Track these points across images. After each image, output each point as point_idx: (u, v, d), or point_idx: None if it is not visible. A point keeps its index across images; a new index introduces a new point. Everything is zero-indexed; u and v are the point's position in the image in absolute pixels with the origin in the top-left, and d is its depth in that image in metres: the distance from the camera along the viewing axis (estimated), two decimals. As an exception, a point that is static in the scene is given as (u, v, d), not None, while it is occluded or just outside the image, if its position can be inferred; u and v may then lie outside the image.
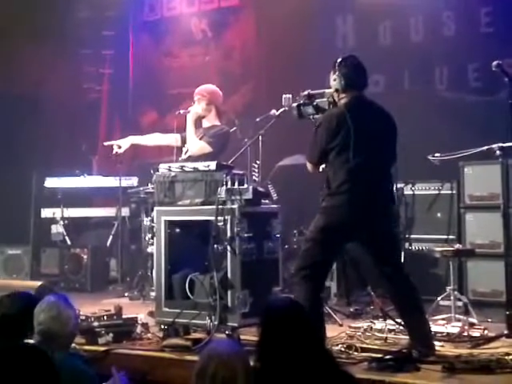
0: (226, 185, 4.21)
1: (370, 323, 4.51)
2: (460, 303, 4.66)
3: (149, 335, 4.46)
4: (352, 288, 5.52)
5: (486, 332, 4.33)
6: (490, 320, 4.71)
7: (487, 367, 3.55)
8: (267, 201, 4.56)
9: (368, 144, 3.86)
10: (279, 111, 4.90)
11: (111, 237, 7.08)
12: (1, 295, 3.44)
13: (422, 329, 3.92)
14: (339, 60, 4.00)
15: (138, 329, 4.49)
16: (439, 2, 6.50)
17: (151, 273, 5.28)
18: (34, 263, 7.17)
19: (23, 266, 7.15)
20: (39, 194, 7.14)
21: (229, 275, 4.13)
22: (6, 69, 7.61)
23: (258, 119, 5.18)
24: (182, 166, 4.48)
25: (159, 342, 4.29)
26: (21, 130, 7.46)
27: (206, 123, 5.34)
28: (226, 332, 4.14)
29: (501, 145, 4.61)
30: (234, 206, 4.15)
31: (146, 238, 5.67)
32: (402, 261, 4.76)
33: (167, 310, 4.36)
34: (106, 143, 5.81)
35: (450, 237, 5.54)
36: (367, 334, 4.33)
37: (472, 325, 4.39)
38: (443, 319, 4.51)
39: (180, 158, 5.19)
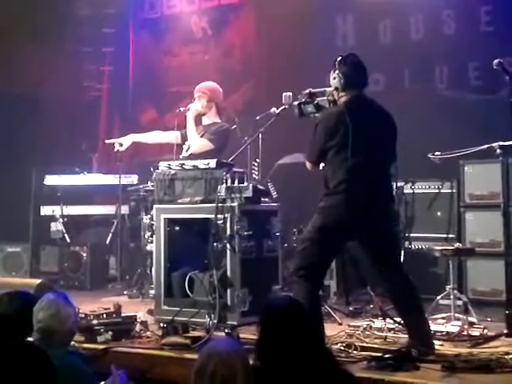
0: (226, 183, 4.21)
1: (369, 322, 4.51)
2: (460, 302, 4.66)
3: (148, 333, 4.45)
4: (351, 287, 5.51)
5: (485, 331, 4.33)
6: (489, 319, 4.70)
7: (487, 366, 3.54)
8: (267, 199, 4.56)
9: (367, 143, 3.85)
10: (279, 109, 4.89)
11: (111, 235, 7.07)
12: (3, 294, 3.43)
13: (422, 328, 3.91)
14: (339, 59, 4.00)
15: (137, 327, 4.48)
16: (439, 0, 6.49)
17: (150, 271, 5.29)
18: (34, 261, 7.17)
19: (22, 263, 7.15)
20: (39, 192, 7.13)
21: (228, 273, 4.13)
22: (5, 67, 7.60)
23: (258, 117, 5.17)
24: (182, 164, 4.48)
25: (158, 340, 4.28)
26: (21, 127, 7.45)
27: (206, 120, 5.33)
28: (226, 330, 4.13)
29: (501, 143, 4.60)
30: (233, 204, 4.15)
31: (146, 236, 5.67)
32: (402, 260, 4.75)
33: (166, 308, 4.36)
34: (107, 141, 5.79)
35: (450, 236, 5.54)
36: (367, 332, 4.33)
37: (472, 324, 4.39)
38: (443, 318, 4.51)
39: (181, 156, 5.18)
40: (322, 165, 4.04)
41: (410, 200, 5.75)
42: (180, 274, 4.35)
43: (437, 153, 5.23)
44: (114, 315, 4.47)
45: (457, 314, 4.48)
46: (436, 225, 5.64)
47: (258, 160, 5.36)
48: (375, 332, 4.32)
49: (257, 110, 5.82)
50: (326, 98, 4.11)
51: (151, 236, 4.95)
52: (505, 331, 4.30)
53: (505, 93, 4.52)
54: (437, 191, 5.71)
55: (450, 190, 5.64)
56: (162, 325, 4.37)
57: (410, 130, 5.24)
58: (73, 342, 3.44)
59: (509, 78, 4.35)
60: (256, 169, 5.35)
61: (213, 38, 8.05)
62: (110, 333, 4.30)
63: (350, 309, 5.19)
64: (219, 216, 4.13)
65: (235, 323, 4.12)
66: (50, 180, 7.11)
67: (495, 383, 3.44)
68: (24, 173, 7.09)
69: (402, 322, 4.09)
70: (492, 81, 5.65)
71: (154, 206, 4.53)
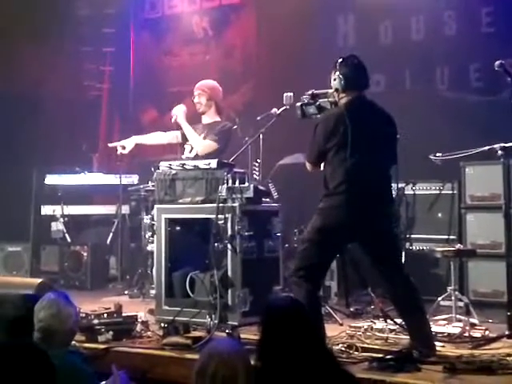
0: (227, 183, 4.21)
1: (370, 323, 4.50)
2: (461, 304, 4.65)
3: (149, 333, 4.45)
4: (351, 289, 5.50)
5: (487, 333, 4.33)
6: (490, 321, 4.69)
7: (488, 368, 3.54)
8: (268, 199, 4.55)
9: (366, 144, 3.85)
10: (280, 110, 4.89)
11: (111, 234, 7.07)
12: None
13: (423, 329, 3.91)
14: (340, 60, 4.00)
15: (138, 327, 4.48)
16: (440, 1, 6.49)
17: (151, 271, 5.28)
18: (34, 260, 7.16)
19: (23, 263, 7.14)
20: (39, 191, 7.13)
21: (229, 274, 4.12)
22: (6, 67, 7.60)
23: (258, 118, 5.17)
24: (183, 164, 4.47)
25: (159, 340, 4.28)
26: (21, 127, 7.45)
27: (206, 119, 5.33)
28: (226, 331, 4.13)
29: (502, 145, 4.60)
30: (234, 205, 4.14)
31: (146, 236, 5.66)
32: (403, 261, 4.74)
33: (167, 308, 4.35)
34: (110, 144, 5.77)
35: (451, 237, 5.52)
36: (368, 333, 4.33)
37: (473, 325, 4.38)
38: (444, 319, 4.51)
39: (184, 156, 5.18)
40: (322, 165, 4.04)
41: (411, 201, 5.74)
42: (181, 274, 4.35)
43: (438, 154, 5.23)
44: (115, 315, 4.47)
45: (458, 316, 4.47)
46: (437, 226, 5.63)
47: (258, 160, 5.35)
48: (376, 333, 4.32)
49: (257, 110, 5.81)
50: (327, 99, 4.11)
51: (152, 236, 4.95)
52: (506, 332, 4.30)
53: (506, 94, 4.51)
54: (438, 192, 5.70)
55: (451, 192, 5.63)
56: (162, 325, 4.37)
57: (411, 130, 5.22)
58: (74, 342, 3.44)
59: (510, 79, 4.35)
60: (257, 169, 5.35)
61: (214, 38, 8.05)
62: (111, 332, 4.30)
63: (351, 309, 5.18)
64: (220, 216, 4.12)
65: (236, 323, 4.11)
66: (51, 180, 7.10)
67: (496, 385, 3.45)
68: (25, 172, 7.08)
69: (403, 323, 4.08)
70: (493, 82, 5.64)
71: (155, 206, 4.53)
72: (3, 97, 7.57)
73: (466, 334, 4.27)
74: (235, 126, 5.42)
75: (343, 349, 3.92)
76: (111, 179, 7.06)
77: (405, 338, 4.07)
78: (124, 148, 5.44)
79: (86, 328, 4.26)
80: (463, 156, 5.08)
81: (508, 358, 3.66)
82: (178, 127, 5.28)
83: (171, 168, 4.47)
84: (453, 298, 4.55)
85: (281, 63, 7.08)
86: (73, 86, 8.25)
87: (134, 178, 7.04)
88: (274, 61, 7.28)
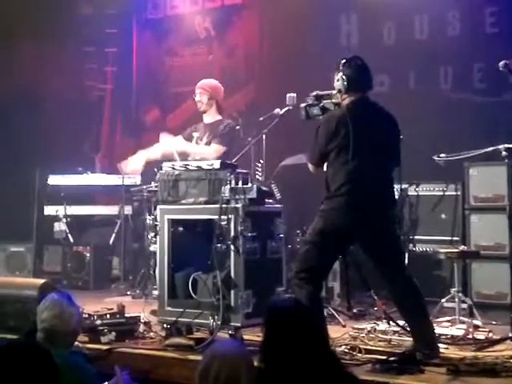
0: (230, 184, 4.19)
1: (373, 325, 4.49)
2: (464, 305, 4.63)
3: (151, 334, 4.45)
4: (354, 291, 5.45)
5: (490, 335, 4.31)
6: (494, 322, 4.68)
7: (492, 370, 3.53)
8: (271, 200, 4.54)
9: (368, 146, 3.84)
10: (283, 110, 4.88)
11: (114, 235, 7.07)
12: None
13: (426, 331, 3.89)
14: (343, 61, 3.98)
15: (141, 328, 4.48)
16: (444, 1, 6.46)
17: (154, 271, 5.27)
18: (37, 261, 7.16)
19: (26, 263, 7.14)
20: (42, 192, 7.12)
21: (232, 275, 4.11)
22: (8, 67, 7.60)
23: (261, 118, 5.16)
24: (186, 165, 4.46)
25: (162, 341, 4.28)
26: (24, 127, 7.45)
27: (207, 119, 5.32)
28: (229, 332, 4.12)
29: (507, 146, 4.59)
30: (237, 205, 4.13)
31: (149, 237, 5.66)
32: (406, 262, 4.73)
33: (170, 309, 4.34)
34: (120, 166, 5.51)
35: (455, 238, 5.49)
36: (371, 335, 4.32)
37: (476, 327, 4.37)
38: (447, 321, 4.49)
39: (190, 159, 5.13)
40: (325, 166, 4.02)
41: (415, 202, 5.72)
42: (184, 274, 4.34)
43: (442, 155, 5.21)
44: (118, 316, 4.46)
45: (462, 317, 4.46)
46: (440, 227, 5.60)
47: (261, 161, 5.34)
48: (379, 335, 4.31)
49: (260, 110, 5.81)
50: (331, 100, 4.10)
51: (154, 236, 4.94)
52: (510, 335, 4.26)
53: (510, 95, 4.49)
54: (441, 193, 5.66)
55: (454, 193, 5.60)
56: (165, 326, 4.36)
57: (414, 131, 5.21)
58: (76, 343, 3.43)
59: (515, 79, 4.34)
60: (260, 170, 5.33)
61: (216, 39, 8.04)
62: (114, 333, 4.30)
63: (354, 311, 5.16)
64: (223, 217, 4.11)
65: (239, 325, 4.10)
66: (54, 180, 7.10)
67: (500, 387, 3.43)
68: (27, 173, 7.07)
69: (407, 324, 4.07)
70: (497, 82, 5.63)
71: (158, 207, 4.52)
72: (6, 97, 7.57)
73: (470, 336, 4.26)
74: (238, 127, 5.41)
75: (346, 350, 3.91)
76: (114, 180, 7.06)
77: (408, 340, 4.06)
78: (135, 167, 5.27)
79: (88, 329, 4.26)
80: (467, 157, 5.06)
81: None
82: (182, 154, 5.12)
83: (174, 169, 4.46)
84: (456, 299, 4.54)
85: (283, 63, 7.07)
86: (75, 87, 8.26)
87: (136, 179, 7.03)
88: (277, 61, 7.27)
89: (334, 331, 4.24)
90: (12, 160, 7.42)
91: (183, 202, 4.40)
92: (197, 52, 8.17)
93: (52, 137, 7.55)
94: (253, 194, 4.17)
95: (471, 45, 6.24)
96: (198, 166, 4.42)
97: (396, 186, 5.17)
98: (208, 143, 5.19)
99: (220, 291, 4.07)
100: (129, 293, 6.28)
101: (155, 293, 4.94)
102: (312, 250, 3.88)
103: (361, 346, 3.99)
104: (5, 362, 2.19)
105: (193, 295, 4.23)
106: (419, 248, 5.66)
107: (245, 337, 4.13)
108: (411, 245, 5.60)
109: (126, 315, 4.52)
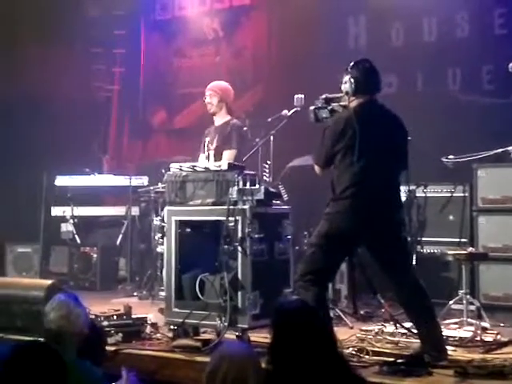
0: (238, 185, 4.19)
1: (381, 326, 4.47)
2: (472, 307, 4.61)
3: (158, 335, 4.45)
4: (360, 293, 5.44)
5: (498, 337, 4.29)
6: (502, 324, 4.67)
7: (500, 372, 3.52)
8: (278, 201, 4.53)
9: (375, 149, 3.83)
10: (291, 111, 4.88)
11: (121, 236, 7.08)
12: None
13: (434, 333, 3.87)
14: (352, 64, 3.99)
15: (148, 329, 4.47)
16: (453, 2, 6.44)
17: (161, 272, 5.27)
18: (44, 261, 7.17)
19: (33, 264, 7.15)
20: (49, 193, 7.13)
21: (239, 276, 4.11)
22: (16, 69, 7.62)
23: (269, 119, 5.15)
24: (194, 166, 4.46)
25: (169, 342, 4.28)
26: (31, 129, 7.47)
27: (218, 120, 5.33)
28: (236, 333, 4.11)
29: (515, 148, 4.57)
30: (245, 207, 4.12)
31: (156, 238, 5.66)
32: (414, 264, 4.70)
33: (177, 310, 4.34)
34: None
35: (463, 240, 5.46)
36: (378, 337, 4.30)
37: (484, 329, 4.35)
38: (455, 323, 4.47)
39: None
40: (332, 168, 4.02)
41: (422, 204, 5.69)
42: (191, 276, 4.33)
43: (450, 156, 5.19)
44: (125, 317, 4.47)
45: (469, 319, 4.44)
46: (448, 229, 5.58)
47: (268, 162, 5.33)
48: (387, 336, 4.29)
49: (268, 111, 5.80)
50: (340, 103, 4.09)
51: (162, 238, 4.94)
52: (518, 337, 4.27)
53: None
54: (449, 195, 5.63)
55: (462, 194, 5.57)
56: (172, 327, 4.36)
57: (422, 132, 5.19)
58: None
59: (524, 81, 4.32)
60: (267, 171, 5.33)
61: (224, 40, 8.04)
62: (121, 334, 4.30)
63: (361, 312, 5.15)
64: (230, 218, 4.11)
65: (246, 326, 4.10)
66: (61, 181, 7.11)
67: (508, 390, 3.42)
68: (35, 174, 7.08)
69: (414, 327, 4.05)
70: (506, 84, 5.61)
71: (166, 208, 4.52)
72: (13, 98, 7.59)
73: (478, 338, 4.24)
74: (245, 128, 5.40)
75: (354, 352, 3.90)
76: (121, 180, 7.07)
77: (416, 342, 4.04)
78: None
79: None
80: (475, 158, 5.04)
81: (520, 363, 3.63)
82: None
83: (182, 170, 4.46)
84: (464, 301, 4.52)
85: (291, 64, 7.07)
86: (83, 88, 8.28)
87: (143, 180, 7.04)
88: (285, 62, 7.27)
89: (341, 333, 4.22)
90: (19, 161, 7.43)
91: (191, 203, 4.39)
92: (205, 53, 8.18)
93: (59, 138, 7.57)
94: (260, 196, 4.16)
95: (480, 46, 6.21)
96: (205, 168, 4.42)
97: (404, 188, 5.16)
98: (218, 148, 5.16)
99: (227, 292, 4.06)
100: (135, 294, 6.28)
101: (162, 294, 4.93)
102: (317, 253, 3.88)
103: (368, 348, 3.97)
104: (15, 362, 2.20)
105: (200, 296, 4.23)
106: (427, 249, 5.63)
107: (252, 338, 4.12)
108: (419, 246, 5.58)
109: (133, 316, 4.52)
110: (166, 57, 8.49)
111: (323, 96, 4.19)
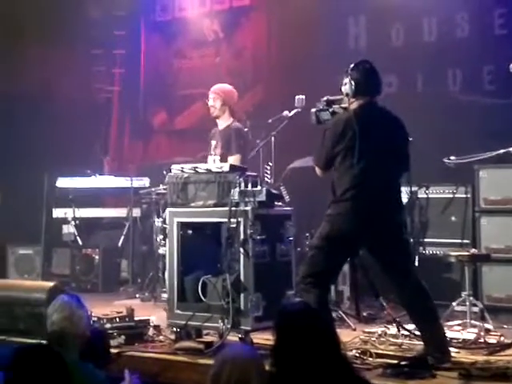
0: (239, 186, 4.18)
1: (384, 328, 4.46)
2: (476, 309, 4.60)
3: (161, 338, 4.44)
4: (362, 295, 5.43)
5: (502, 338, 4.28)
6: (505, 326, 4.65)
7: (504, 374, 3.50)
8: (280, 203, 4.53)
9: (375, 150, 3.83)
10: (292, 112, 4.88)
11: (122, 237, 7.06)
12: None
13: (437, 335, 3.87)
14: (352, 65, 3.98)
15: (150, 331, 4.47)
16: (453, 3, 6.43)
17: (163, 274, 5.26)
18: (46, 263, 7.16)
19: (34, 266, 7.14)
20: (51, 194, 7.11)
21: (241, 278, 4.10)
22: (16, 70, 7.61)
23: (270, 120, 5.15)
24: (195, 167, 4.45)
25: (171, 344, 4.27)
26: (32, 130, 7.46)
27: (221, 124, 5.32)
28: (239, 336, 4.10)
29: (517, 148, 4.56)
30: (247, 208, 4.12)
31: (158, 239, 5.65)
32: (416, 265, 4.70)
33: (179, 312, 4.33)
34: None
35: (465, 241, 5.45)
36: (381, 339, 4.29)
37: (488, 331, 4.34)
38: (459, 325, 4.46)
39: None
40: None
41: (424, 205, 5.68)
42: (193, 278, 4.32)
43: (452, 157, 5.18)
44: (127, 319, 4.46)
45: (473, 321, 4.43)
46: (450, 230, 5.57)
47: (270, 163, 5.33)
48: (390, 338, 4.28)
49: (268, 112, 5.81)
50: (341, 105, 4.09)
51: (163, 239, 4.93)
52: (522, 338, 4.25)
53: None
54: (451, 196, 5.63)
55: (464, 195, 5.56)
56: (175, 329, 4.35)
57: (423, 133, 5.19)
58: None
59: (526, 81, 4.31)
60: (268, 172, 5.32)
61: (224, 41, 8.04)
62: (123, 337, 4.29)
63: (364, 314, 5.14)
64: (232, 220, 4.10)
65: (249, 328, 4.09)
66: (62, 182, 7.10)
67: (512, 391, 3.41)
68: (36, 175, 7.08)
69: (417, 329, 4.04)
70: (506, 84, 5.60)
71: (167, 210, 4.51)
72: (14, 99, 7.59)
73: (481, 340, 4.23)
74: (246, 129, 5.40)
75: (357, 355, 3.89)
76: (122, 182, 7.06)
77: (419, 344, 4.03)
78: None
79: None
80: (477, 159, 5.03)
81: (524, 365, 3.62)
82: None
83: (183, 171, 4.46)
84: (467, 303, 4.51)
85: (291, 65, 7.06)
86: (83, 88, 8.27)
87: (145, 181, 7.03)
88: (285, 63, 7.26)
89: (344, 335, 4.19)
90: (20, 163, 7.42)
91: (192, 204, 4.38)
92: (205, 54, 8.17)
93: (60, 139, 7.55)
94: (262, 197, 4.16)
95: (480, 47, 6.21)
96: (207, 169, 4.41)
97: (406, 189, 5.16)
98: (223, 155, 5.16)
99: (230, 294, 4.05)
100: (137, 296, 6.27)
101: (164, 296, 4.92)
102: (318, 255, 3.88)
103: (372, 350, 3.96)
104: (18, 365, 2.21)
105: (202, 298, 4.22)
106: (429, 251, 5.63)
107: (255, 340, 4.11)
108: (421, 247, 5.58)
109: (136, 318, 4.52)
110: (167, 58, 8.48)
111: (324, 98, 4.19)
